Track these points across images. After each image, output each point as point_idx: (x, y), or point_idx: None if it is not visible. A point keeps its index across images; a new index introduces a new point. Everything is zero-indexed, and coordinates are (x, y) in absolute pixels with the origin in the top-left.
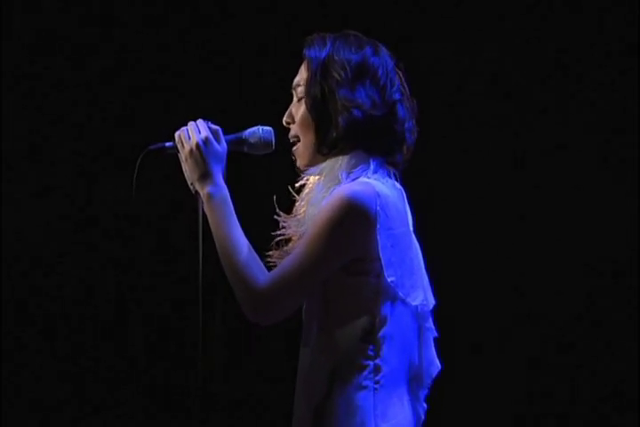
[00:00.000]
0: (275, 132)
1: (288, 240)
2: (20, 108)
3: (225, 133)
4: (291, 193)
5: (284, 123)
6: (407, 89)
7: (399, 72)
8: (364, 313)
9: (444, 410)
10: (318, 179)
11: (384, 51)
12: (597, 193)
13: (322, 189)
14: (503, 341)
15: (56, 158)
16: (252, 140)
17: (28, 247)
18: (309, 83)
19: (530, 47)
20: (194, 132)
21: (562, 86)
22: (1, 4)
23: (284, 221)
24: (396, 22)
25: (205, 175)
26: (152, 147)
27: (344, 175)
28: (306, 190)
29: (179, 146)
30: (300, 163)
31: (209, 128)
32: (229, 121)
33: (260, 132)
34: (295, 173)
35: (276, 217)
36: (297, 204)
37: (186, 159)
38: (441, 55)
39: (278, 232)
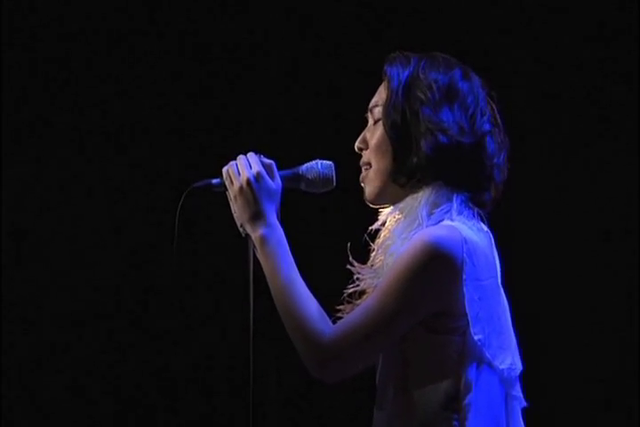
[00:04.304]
0: (335, 167)
1: (362, 293)
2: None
3: (279, 168)
4: (363, 235)
5: (356, 149)
6: (500, 121)
7: (491, 102)
8: (447, 376)
9: None
10: (396, 221)
11: (475, 77)
12: None
13: (401, 235)
14: (598, 410)
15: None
16: (309, 177)
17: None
18: (389, 102)
19: None
20: (244, 168)
21: None
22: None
23: (358, 272)
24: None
25: (257, 215)
26: (197, 184)
27: (425, 216)
28: (382, 237)
29: (227, 183)
30: (369, 192)
31: (261, 162)
32: (284, 154)
33: (318, 167)
34: (366, 213)
35: (349, 266)
36: (373, 252)
37: (235, 198)
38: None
39: (351, 284)
